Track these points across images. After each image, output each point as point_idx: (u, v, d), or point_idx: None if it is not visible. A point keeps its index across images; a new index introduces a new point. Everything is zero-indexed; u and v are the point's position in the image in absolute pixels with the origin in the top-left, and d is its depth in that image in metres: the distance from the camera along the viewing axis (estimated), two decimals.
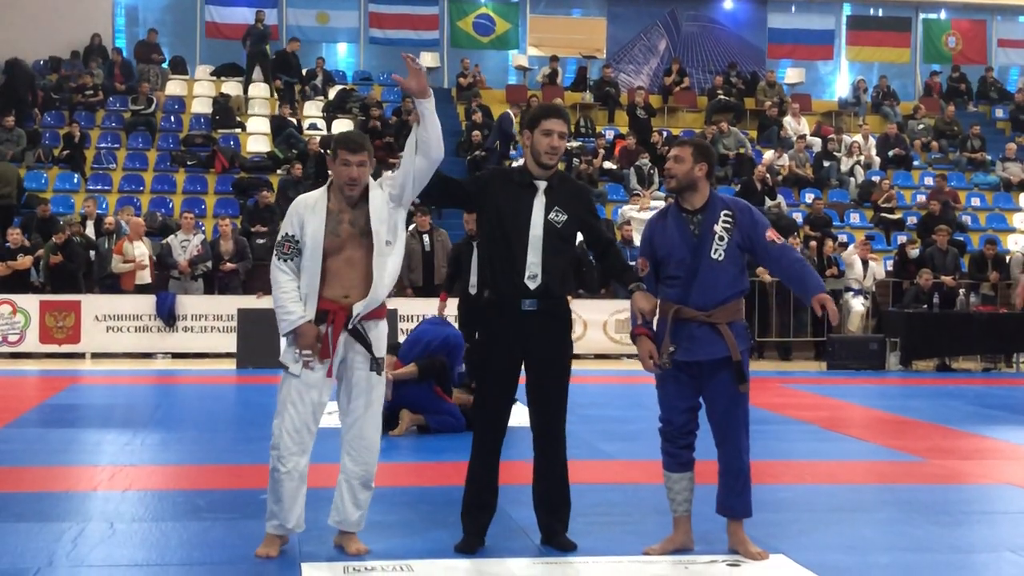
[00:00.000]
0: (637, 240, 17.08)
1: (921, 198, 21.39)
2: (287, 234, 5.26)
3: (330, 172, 5.36)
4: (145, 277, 15.97)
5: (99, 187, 19.57)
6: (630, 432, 9.28)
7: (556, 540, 5.43)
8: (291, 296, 5.23)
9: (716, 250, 5.25)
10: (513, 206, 5.35)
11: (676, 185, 5.36)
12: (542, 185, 5.40)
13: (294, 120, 21.49)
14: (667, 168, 5.42)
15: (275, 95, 22.42)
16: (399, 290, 16.34)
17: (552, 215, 5.35)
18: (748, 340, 5.39)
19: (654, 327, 5.37)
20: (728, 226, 5.27)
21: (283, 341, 5.32)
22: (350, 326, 5.24)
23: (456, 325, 10.47)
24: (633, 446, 8.53)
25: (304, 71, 23.74)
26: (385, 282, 5.27)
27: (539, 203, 5.36)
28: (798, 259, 5.40)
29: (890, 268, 18.35)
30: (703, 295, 5.25)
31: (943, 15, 27.61)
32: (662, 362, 5.28)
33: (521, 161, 5.69)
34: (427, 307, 16.04)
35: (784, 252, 5.36)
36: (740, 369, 5.24)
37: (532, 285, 5.31)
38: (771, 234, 5.32)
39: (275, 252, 5.28)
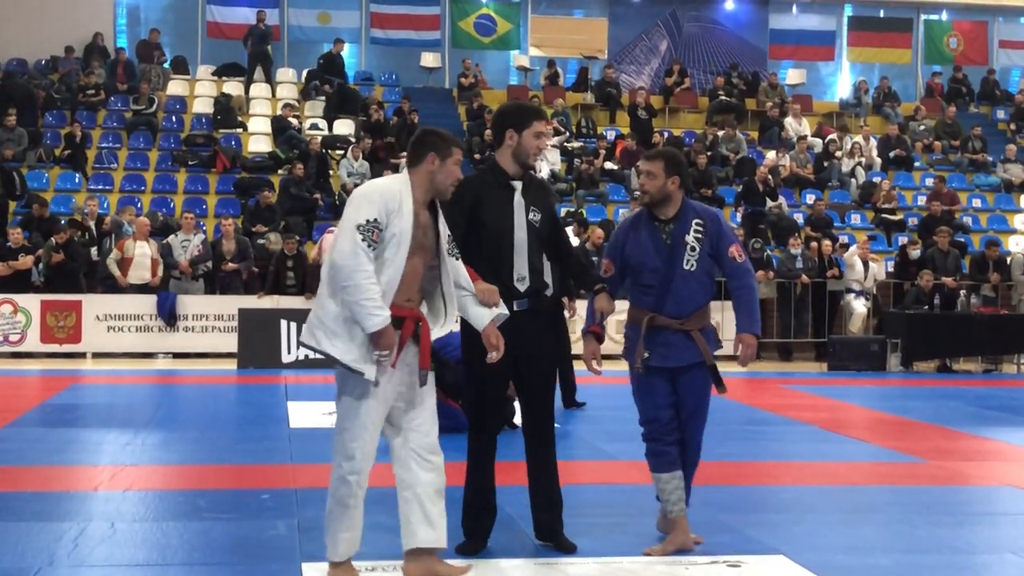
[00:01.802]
0: None
1: (922, 199, 21.40)
2: (376, 220, 4.66)
3: (402, 169, 4.93)
4: (144, 276, 15.96)
5: (100, 187, 19.56)
6: (631, 432, 9.18)
7: (556, 541, 5.43)
8: (378, 291, 4.63)
9: (688, 261, 5.41)
10: (496, 209, 5.32)
11: (650, 200, 5.49)
12: (519, 185, 5.40)
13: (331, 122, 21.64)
14: (640, 184, 5.53)
15: (321, 98, 22.48)
16: None
17: (531, 215, 5.37)
18: (718, 343, 5.58)
19: (606, 330, 5.66)
20: (699, 236, 5.42)
21: (341, 342, 4.70)
22: (431, 340, 4.92)
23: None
24: (634, 446, 8.45)
25: (305, 71, 23.77)
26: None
27: (519, 204, 5.36)
28: (750, 287, 5.58)
29: (891, 269, 18.34)
30: (677, 304, 5.42)
31: (944, 16, 27.61)
32: (636, 367, 5.45)
33: None
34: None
35: (741, 273, 5.52)
36: (716, 374, 5.44)
37: (522, 287, 5.32)
38: (734, 250, 5.48)
39: (361, 235, 4.62)
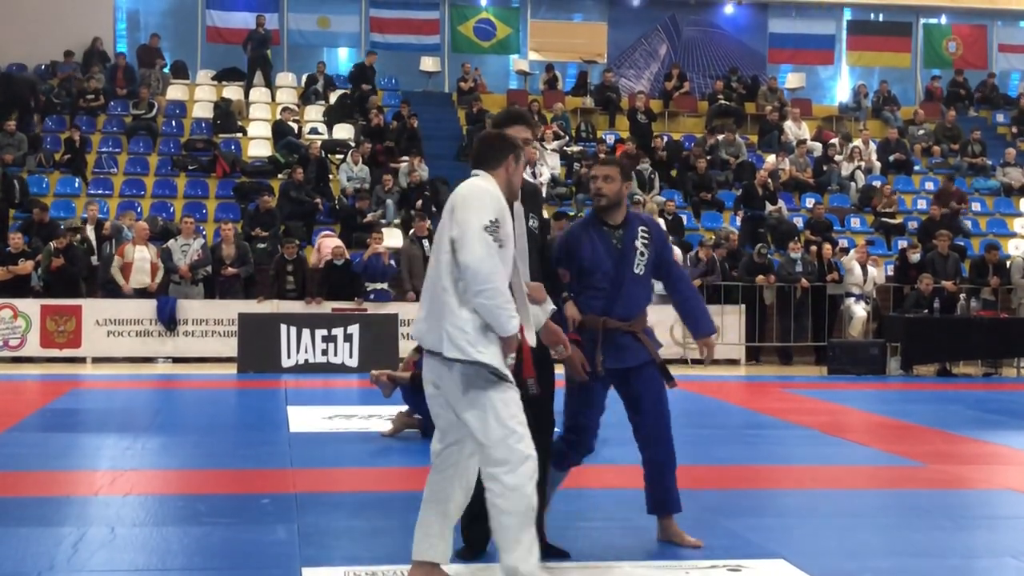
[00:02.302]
0: None
1: (922, 203, 21.43)
2: (496, 220, 4.53)
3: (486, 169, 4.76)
4: (144, 281, 15.97)
5: (100, 192, 19.58)
6: (629, 437, 9.25)
7: (547, 548, 5.37)
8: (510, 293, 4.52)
9: (638, 265, 5.61)
10: None
11: (607, 203, 5.62)
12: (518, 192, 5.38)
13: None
14: (597, 188, 5.66)
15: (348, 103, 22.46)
16: (401, 296, 16.35)
17: (531, 222, 5.36)
18: (658, 342, 5.80)
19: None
20: (646, 242, 5.63)
21: (486, 349, 4.51)
22: (534, 344, 4.83)
23: None
24: (632, 451, 8.49)
25: (304, 75, 23.79)
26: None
27: (519, 211, 5.34)
28: (695, 288, 5.97)
29: (891, 273, 18.34)
30: (625, 307, 5.61)
31: (944, 20, 27.61)
32: (600, 372, 5.54)
33: None
34: None
35: (684, 277, 5.89)
36: (666, 370, 5.66)
37: None
38: (678, 256, 5.68)
39: (491, 235, 4.49)
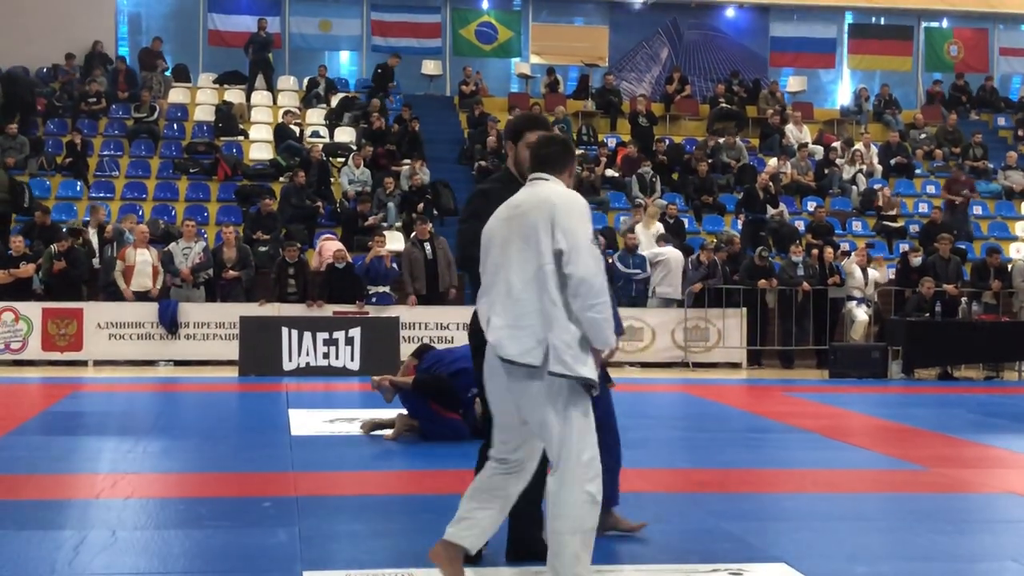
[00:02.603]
0: (641, 249, 17.07)
1: (923, 206, 21.44)
2: (593, 231, 4.57)
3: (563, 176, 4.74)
4: (146, 284, 15.98)
5: (102, 195, 19.59)
6: (631, 440, 9.19)
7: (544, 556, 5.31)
8: None
9: None
10: None
11: None
12: None
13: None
14: None
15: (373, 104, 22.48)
16: (402, 299, 16.35)
17: None
18: None
19: None
20: None
21: (584, 362, 4.47)
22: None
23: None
24: (634, 454, 8.45)
25: (306, 79, 23.82)
26: None
27: None
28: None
29: (892, 276, 18.34)
30: None
31: (945, 24, 27.63)
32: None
33: None
34: (431, 315, 16.07)
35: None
36: (606, 371, 5.62)
37: None
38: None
39: (598, 249, 4.52)
